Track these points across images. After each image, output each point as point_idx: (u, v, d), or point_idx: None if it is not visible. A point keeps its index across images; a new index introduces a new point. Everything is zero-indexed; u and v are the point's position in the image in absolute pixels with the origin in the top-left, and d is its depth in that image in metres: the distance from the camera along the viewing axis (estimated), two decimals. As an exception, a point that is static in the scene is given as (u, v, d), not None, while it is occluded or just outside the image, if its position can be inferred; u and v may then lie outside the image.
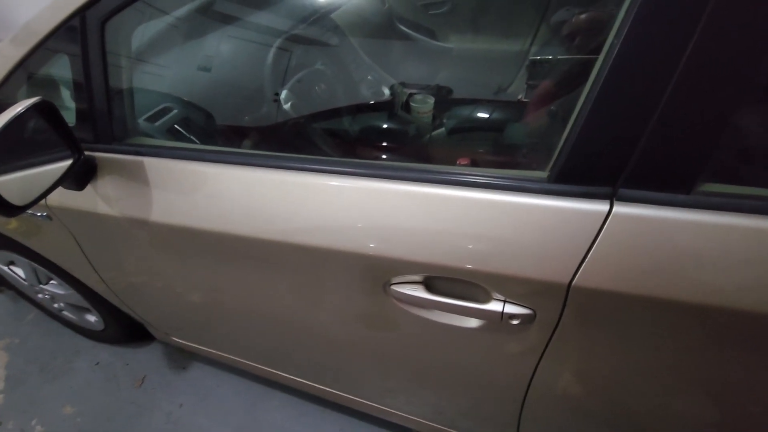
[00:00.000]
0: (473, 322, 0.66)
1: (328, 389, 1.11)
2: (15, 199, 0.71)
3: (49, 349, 1.58)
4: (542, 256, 0.56)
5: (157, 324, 1.27)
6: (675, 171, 0.49)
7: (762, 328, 0.51)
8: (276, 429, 1.29)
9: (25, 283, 1.41)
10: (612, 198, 0.52)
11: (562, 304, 0.58)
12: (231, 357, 1.21)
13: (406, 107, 1.18)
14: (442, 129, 1.13)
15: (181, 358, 1.50)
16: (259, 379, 1.39)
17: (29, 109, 0.67)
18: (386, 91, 1.27)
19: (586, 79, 0.51)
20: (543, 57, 1.09)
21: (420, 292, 0.65)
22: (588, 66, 0.51)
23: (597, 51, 0.50)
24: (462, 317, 0.66)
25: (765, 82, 0.46)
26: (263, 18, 1.14)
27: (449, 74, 1.37)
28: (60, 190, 0.80)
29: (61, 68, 0.82)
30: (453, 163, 0.89)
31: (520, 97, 1.13)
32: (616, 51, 0.46)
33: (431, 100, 1.16)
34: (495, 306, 0.61)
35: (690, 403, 0.64)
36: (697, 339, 0.55)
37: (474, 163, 0.85)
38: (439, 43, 1.50)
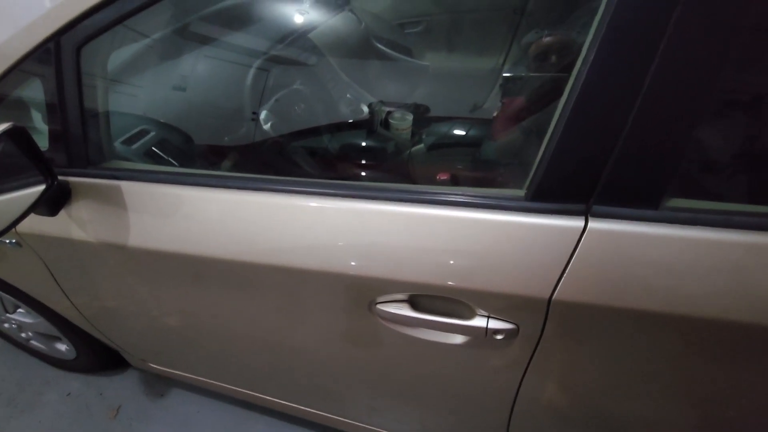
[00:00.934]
0: (458, 339, 0.66)
1: (313, 411, 1.09)
2: (-16, 227, 0.68)
3: (15, 381, 1.50)
4: (523, 272, 0.57)
5: (133, 350, 1.22)
6: (643, 188, 0.52)
7: (729, 334, 0.53)
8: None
9: (-11, 313, 1.34)
10: (587, 214, 0.54)
11: (543, 318, 0.59)
12: (211, 381, 1.18)
13: (385, 124, 1.20)
14: (421, 145, 1.15)
15: (158, 384, 1.45)
16: (240, 403, 1.35)
17: (1, 135, 0.66)
18: (365, 109, 1.29)
19: (557, 99, 0.53)
20: (516, 75, 1.13)
21: (405, 311, 0.65)
22: (556, 84, 0.54)
23: (562, 70, 0.53)
24: (447, 334, 0.67)
25: (723, 104, 0.49)
26: (241, 39, 1.15)
27: (426, 92, 1.40)
28: (31, 216, 0.77)
29: (34, 92, 0.80)
30: (433, 179, 0.91)
31: (495, 114, 1.17)
32: (584, 76, 0.49)
33: (410, 117, 1.18)
34: (479, 322, 0.62)
35: (670, 409, 0.66)
36: (672, 347, 0.58)
37: (453, 179, 0.87)
38: (415, 61, 1.53)
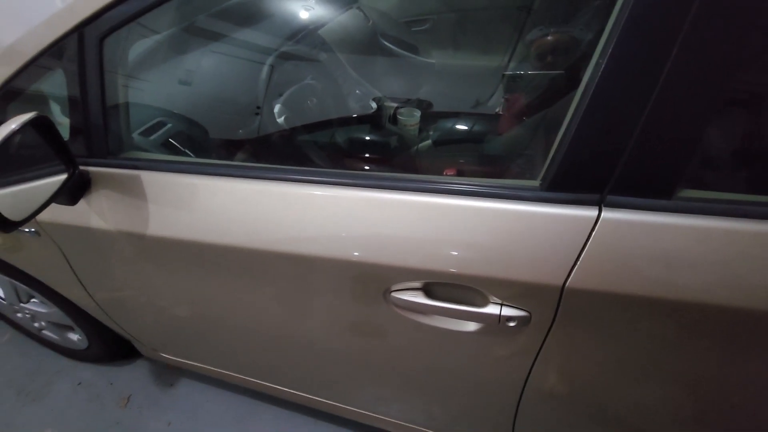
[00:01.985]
0: (471, 326, 0.68)
1: (321, 399, 1.11)
2: (10, 214, 0.70)
3: (27, 371, 1.52)
4: (536, 260, 0.59)
5: (145, 340, 1.24)
6: (657, 178, 0.53)
7: (743, 322, 0.55)
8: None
9: (4, 302, 1.36)
10: (600, 204, 0.56)
11: (556, 306, 0.61)
12: (222, 371, 1.20)
13: (393, 120, 1.21)
14: (429, 141, 1.17)
15: (168, 374, 1.47)
16: (249, 393, 1.37)
17: (25, 124, 0.67)
18: (373, 105, 1.31)
19: (565, 94, 0.55)
20: (520, 72, 1.15)
21: (420, 298, 0.67)
22: (563, 81, 0.55)
23: (566, 68, 0.54)
24: (460, 321, 0.68)
25: (736, 98, 0.51)
26: (255, 35, 1.17)
27: (432, 88, 1.41)
28: (51, 205, 0.79)
29: (54, 83, 0.82)
30: (441, 174, 0.92)
31: (503, 109, 1.18)
32: (601, 69, 0.50)
33: (417, 113, 1.19)
34: (492, 309, 0.64)
35: (684, 400, 0.68)
36: (684, 335, 0.59)
37: (460, 173, 0.88)
38: (421, 59, 1.55)
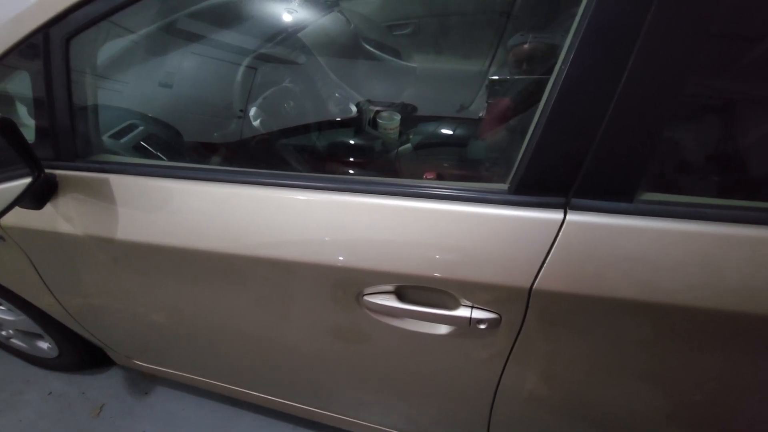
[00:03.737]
0: (443, 329, 0.68)
1: (299, 405, 1.10)
2: (-31, 219, 0.68)
3: (-6, 381, 1.47)
4: (505, 263, 0.60)
5: (118, 347, 1.21)
6: (619, 182, 0.55)
7: (701, 321, 0.57)
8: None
9: (-32, 310, 1.31)
10: (566, 207, 0.57)
11: (524, 308, 0.62)
12: (197, 378, 1.17)
13: (373, 124, 1.22)
14: (408, 144, 1.17)
15: (142, 382, 1.44)
16: (227, 400, 1.35)
17: (-12, 126, 0.65)
18: (353, 108, 1.31)
19: (539, 99, 0.56)
20: (501, 77, 1.17)
21: (392, 302, 0.67)
22: (538, 87, 0.57)
23: (543, 74, 0.55)
24: (433, 324, 0.69)
25: (693, 104, 0.53)
26: (231, 36, 1.16)
27: (413, 92, 1.42)
28: (16, 209, 0.77)
29: (21, 84, 0.80)
30: (419, 177, 0.93)
31: (480, 114, 1.20)
32: (563, 75, 0.51)
33: (397, 117, 1.20)
34: (463, 312, 0.64)
35: (648, 397, 0.69)
36: (648, 334, 0.61)
37: (439, 177, 0.89)
38: (403, 62, 1.56)
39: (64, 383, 1.45)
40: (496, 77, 1.17)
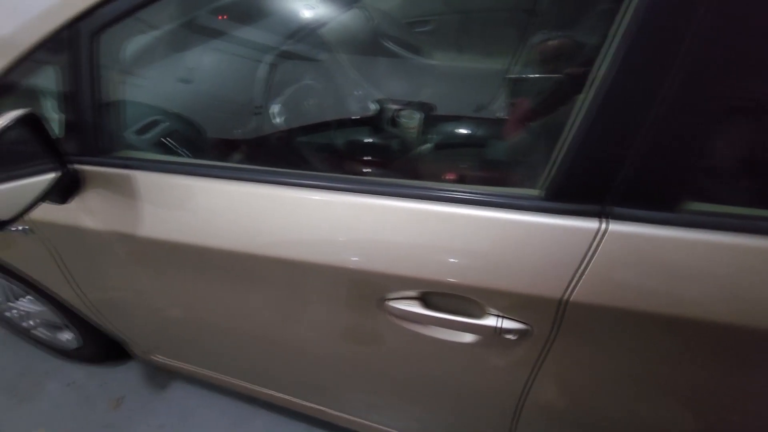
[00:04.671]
0: (468, 337, 0.66)
1: (315, 406, 1.09)
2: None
3: (17, 370, 1.50)
4: (536, 272, 0.57)
5: (137, 341, 1.22)
6: (660, 190, 0.52)
7: (746, 338, 0.53)
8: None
9: (-6, 301, 1.34)
10: (602, 215, 0.54)
11: (557, 319, 0.59)
12: (215, 374, 1.18)
13: (394, 122, 1.20)
14: (430, 144, 1.15)
15: (161, 377, 1.45)
16: (243, 398, 1.35)
17: (16, 121, 0.66)
18: (373, 106, 1.29)
19: (570, 100, 0.53)
20: (523, 76, 1.13)
21: (416, 308, 0.65)
22: (569, 86, 0.54)
23: (569, 72, 0.52)
24: (457, 332, 0.67)
25: (743, 108, 0.49)
26: (253, 33, 1.15)
27: (433, 91, 1.40)
28: (42, 203, 0.77)
29: (48, 79, 0.80)
30: (440, 179, 0.91)
31: (502, 114, 1.17)
32: (604, 77, 0.48)
33: (418, 116, 1.18)
34: (490, 321, 0.62)
35: (683, 415, 0.66)
36: (685, 350, 0.57)
37: (461, 179, 0.86)
38: (424, 60, 1.53)
39: (85, 374, 1.47)
40: (521, 76, 1.14)
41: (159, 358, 1.24)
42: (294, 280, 0.73)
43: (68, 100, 0.77)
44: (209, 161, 0.81)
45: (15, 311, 1.34)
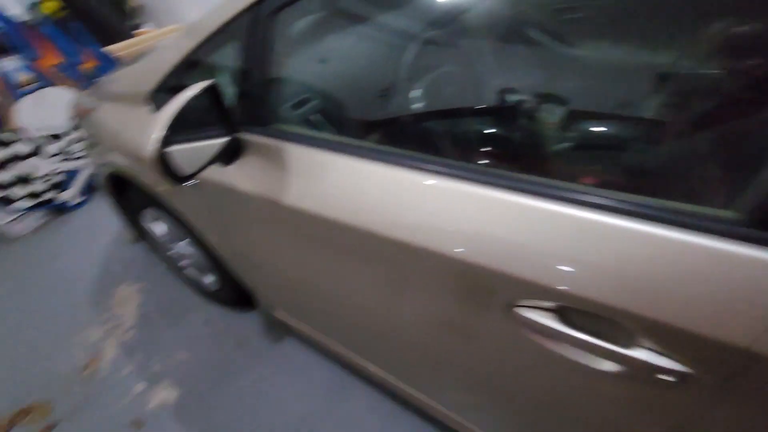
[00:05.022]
0: (608, 365, 0.58)
1: (410, 391, 1.09)
2: (184, 167, 0.80)
3: (170, 298, 1.80)
4: (719, 311, 0.47)
5: (262, 295, 1.36)
6: None
7: None
8: (345, 418, 1.31)
9: (162, 239, 1.61)
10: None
11: (735, 370, 0.48)
12: (325, 339, 1.25)
13: (531, 116, 1.11)
14: (572, 143, 1.04)
15: (278, 332, 1.60)
16: (346, 369, 1.43)
17: (204, 90, 0.75)
18: (510, 97, 1.21)
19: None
20: (694, 72, 0.95)
21: (552, 322, 0.59)
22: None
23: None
24: (596, 358, 0.59)
25: None
26: (401, 19, 1.16)
27: (580, 84, 1.26)
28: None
29: (224, 57, 0.91)
30: (596, 184, 0.81)
31: (664, 115, 1.00)
32: None
33: (559, 110, 1.07)
34: (641, 354, 0.54)
35: None
36: None
37: (622, 186, 0.76)
38: (571, 50, 1.39)
39: (219, 315, 1.71)
40: (690, 72, 0.96)
41: (279, 314, 1.37)
42: (423, 268, 0.73)
43: (241, 74, 0.86)
44: (348, 139, 0.84)
45: (175, 251, 1.60)
